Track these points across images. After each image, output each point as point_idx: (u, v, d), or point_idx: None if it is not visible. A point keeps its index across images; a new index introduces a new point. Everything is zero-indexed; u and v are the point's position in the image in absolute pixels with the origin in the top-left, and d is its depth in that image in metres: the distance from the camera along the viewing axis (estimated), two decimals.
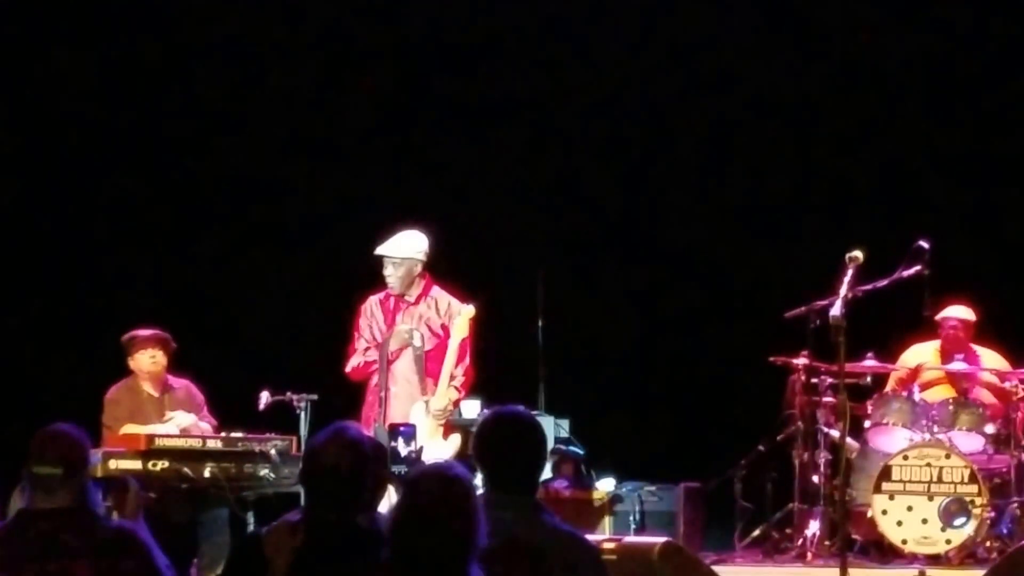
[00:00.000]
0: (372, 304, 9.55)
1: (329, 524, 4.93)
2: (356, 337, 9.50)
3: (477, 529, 4.28)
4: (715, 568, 8.25)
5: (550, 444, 10.02)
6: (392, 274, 9.40)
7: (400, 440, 8.51)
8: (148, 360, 9.55)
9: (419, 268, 9.45)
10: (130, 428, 9.22)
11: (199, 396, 9.71)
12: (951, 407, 10.03)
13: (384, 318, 9.48)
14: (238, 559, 5.17)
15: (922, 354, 10.58)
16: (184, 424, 9.38)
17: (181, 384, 9.70)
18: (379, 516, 5.18)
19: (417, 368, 9.35)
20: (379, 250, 9.47)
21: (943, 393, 10.31)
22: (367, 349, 9.44)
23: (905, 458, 9.77)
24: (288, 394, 9.25)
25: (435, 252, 9.59)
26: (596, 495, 10.74)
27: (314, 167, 13.03)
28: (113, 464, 8.70)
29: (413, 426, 8.74)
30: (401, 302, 9.45)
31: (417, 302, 9.45)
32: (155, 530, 5.71)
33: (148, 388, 9.57)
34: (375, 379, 9.35)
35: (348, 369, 9.48)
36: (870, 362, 10.26)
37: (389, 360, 9.33)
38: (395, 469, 8.22)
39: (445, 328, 9.39)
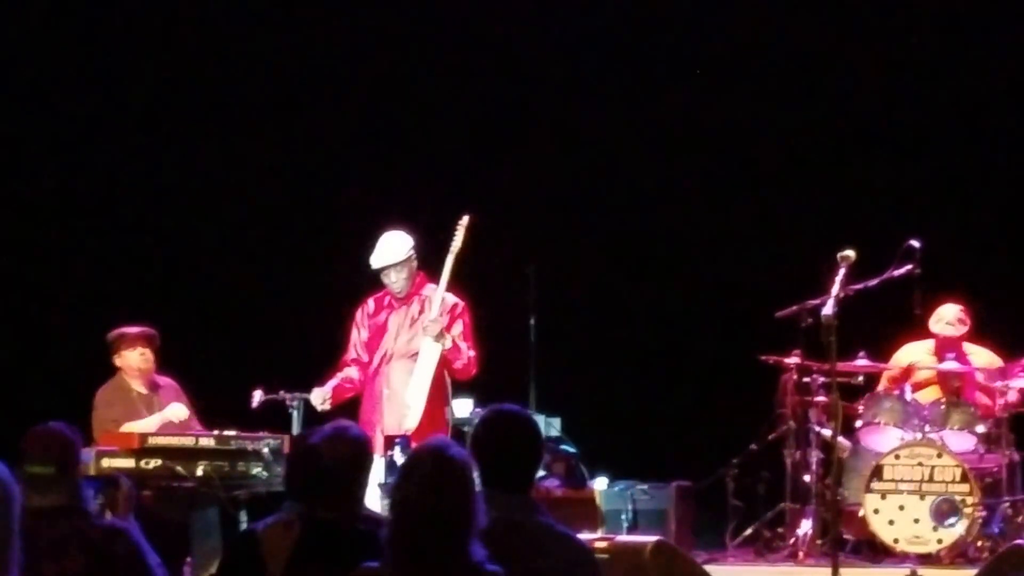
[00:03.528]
0: (364, 311, 9.48)
1: (328, 522, 4.93)
2: (346, 348, 9.47)
3: (474, 508, 4.26)
4: (707, 567, 8.28)
5: None
6: (396, 280, 9.34)
7: (397, 449, 8.51)
8: (138, 357, 9.52)
9: (414, 264, 9.43)
10: (129, 427, 9.20)
11: (184, 396, 9.70)
12: (943, 406, 10.04)
13: (376, 318, 9.44)
14: (234, 556, 5.16)
15: (915, 353, 10.59)
16: (181, 417, 9.37)
17: (168, 382, 9.69)
18: (375, 514, 5.19)
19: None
20: (380, 262, 9.36)
21: (935, 393, 10.33)
22: (346, 365, 9.40)
23: (897, 457, 9.78)
24: (281, 393, 9.24)
25: (427, 251, 9.57)
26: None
27: (307, 165, 13.03)
28: (106, 462, 8.68)
29: (408, 437, 8.72)
30: (395, 301, 9.42)
31: (408, 301, 9.41)
32: (147, 529, 5.71)
33: (137, 386, 9.55)
34: (377, 381, 9.32)
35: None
36: (862, 361, 10.27)
37: (385, 359, 9.31)
38: (390, 480, 8.22)
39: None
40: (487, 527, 4.34)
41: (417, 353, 9.25)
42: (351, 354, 9.41)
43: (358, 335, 9.43)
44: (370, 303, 9.49)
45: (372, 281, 9.48)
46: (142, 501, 8.65)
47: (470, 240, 9.32)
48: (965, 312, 10.47)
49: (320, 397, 9.17)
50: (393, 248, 9.36)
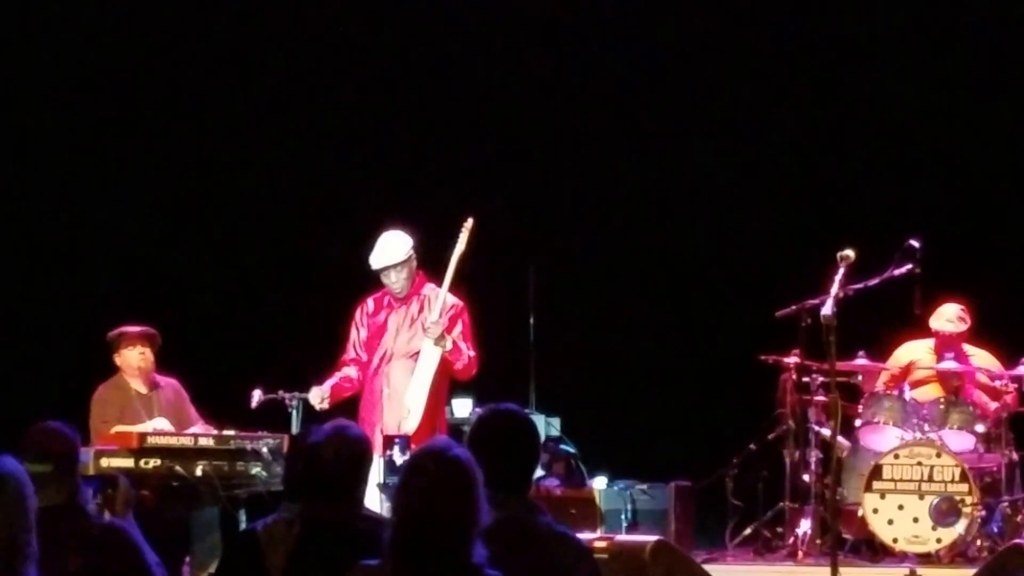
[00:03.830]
0: (363, 311, 9.48)
1: (328, 521, 4.93)
2: (345, 347, 9.47)
3: (478, 508, 4.25)
4: (706, 566, 8.28)
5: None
6: (396, 280, 9.32)
7: (395, 449, 8.50)
8: (137, 356, 9.51)
9: (414, 264, 9.43)
10: (121, 428, 9.20)
11: (185, 395, 9.70)
12: (942, 406, 10.05)
13: (375, 318, 9.43)
14: (234, 556, 5.16)
15: (915, 352, 10.59)
16: (164, 429, 9.32)
17: (168, 382, 9.68)
18: (375, 514, 5.19)
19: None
20: (380, 262, 9.35)
21: (935, 392, 10.33)
22: (345, 365, 9.40)
23: (896, 457, 9.78)
24: (280, 392, 9.23)
25: (427, 251, 9.56)
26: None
27: (306, 164, 13.04)
28: (105, 462, 8.67)
29: (407, 437, 8.72)
30: (394, 301, 9.42)
31: (408, 301, 9.40)
32: (146, 528, 5.71)
33: (136, 385, 9.54)
34: (377, 380, 9.32)
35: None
36: (861, 361, 10.27)
37: (385, 359, 9.31)
38: (390, 480, 8.23)
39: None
40: (486, 527, 4.33)
41: (417, 353, 9.24)
42: (350, 353, 9.42)
43: (357, 334, 9.43)
44: (369, 303, 9.49)
45: (372, 281, 9.48)
46: (142, 501, 8.65)
47: (471, 241, 9.31)
48: (966, 311, 10.47)
49: (319, 396, 9.18)
50: (393, 248, 9.35)
